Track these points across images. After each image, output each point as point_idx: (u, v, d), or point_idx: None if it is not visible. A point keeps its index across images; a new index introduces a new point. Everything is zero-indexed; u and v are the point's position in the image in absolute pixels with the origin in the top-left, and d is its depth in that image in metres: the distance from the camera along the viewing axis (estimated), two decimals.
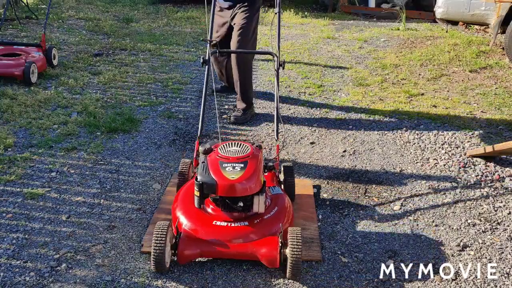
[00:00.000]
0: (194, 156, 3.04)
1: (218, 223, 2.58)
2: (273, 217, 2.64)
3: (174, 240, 2.50)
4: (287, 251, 2.41)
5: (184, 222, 2.60)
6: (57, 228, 2.83)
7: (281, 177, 3.08)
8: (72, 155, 3.65)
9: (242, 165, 2.57)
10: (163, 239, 2.39)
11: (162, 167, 3.56)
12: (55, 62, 5.47)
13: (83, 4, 9.33)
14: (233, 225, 2.57)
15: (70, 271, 2.50)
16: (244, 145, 2.73)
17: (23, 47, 5.34)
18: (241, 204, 2.59)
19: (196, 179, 2.57)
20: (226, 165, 2.57)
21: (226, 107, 4.62)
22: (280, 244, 2.45)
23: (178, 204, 2.74)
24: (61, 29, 7.32)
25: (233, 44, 4.18)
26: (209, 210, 2.68)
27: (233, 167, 2.56)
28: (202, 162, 2.62)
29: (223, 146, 2.73)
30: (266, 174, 2.98)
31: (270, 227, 2.58)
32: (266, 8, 9.46)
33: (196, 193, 2.57)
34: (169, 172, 3.49)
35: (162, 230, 2.41)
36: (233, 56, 4.28)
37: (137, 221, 2.93)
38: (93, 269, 2.52)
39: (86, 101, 4.58)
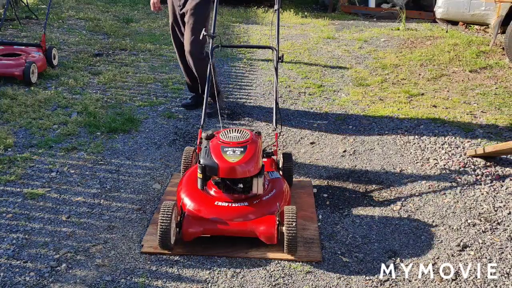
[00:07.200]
0: (198, 144, 3.12)
1: (220, 203, 2.72)
2: (271, 198, 2.78)
3: (178, 219, 2.61)
4: (284, 228, 2.55)
5: (188, 203, 2.74)
6: (57, 228, 2.83)
7: (280, 163, 3.20)
8: (72, 155, 3.65)
9: (242, 149, 2.72)
10: (169, 217, 2.51)
11: (162, 167, 3.56)
12: (55, 62, 5.47)
13: (83, 4, 9.32)
14: (233, 205, 2.71)
15: (70, 271, 2.50)
16: (244, 131, 2.88)
17: (23, 47, 5.35)
18: (241, 185, 2.73)
19: (199, 162, 2.71)
20: (227, 149, 2.72)
21: (224, 106, 4.62)
22: (277, 222, 2.57)
23: (182, 186, 2.87)
24: (61, 29, 7.32)
25: (187, 41, 4.09)
26: (211, 192, 2.81)
27: (234, 151, 2.71)
28: (205, 147, 2.77)
29: (224, 132, 2.87)
30: (265, 160, 3.11)
31: (268, 207, 2.71)
32: (266, 8, 9.47)
33: (199, 175, 2.72)
34: (169, 172, 3.49)
35: (168, 210, 2.54)
36: (186, 51, 4.15)
37: (137, 221, 2.93)
38: (93, 269, 2.52)
39: (86, 101, 4.58)
